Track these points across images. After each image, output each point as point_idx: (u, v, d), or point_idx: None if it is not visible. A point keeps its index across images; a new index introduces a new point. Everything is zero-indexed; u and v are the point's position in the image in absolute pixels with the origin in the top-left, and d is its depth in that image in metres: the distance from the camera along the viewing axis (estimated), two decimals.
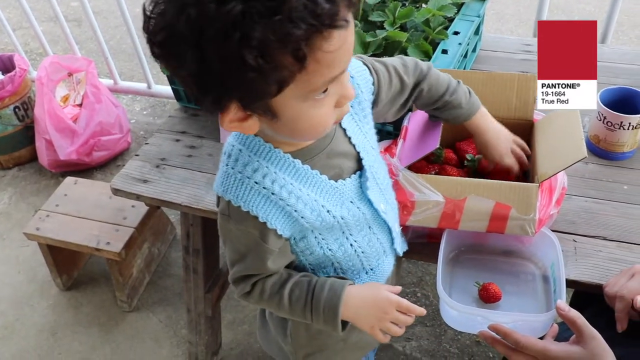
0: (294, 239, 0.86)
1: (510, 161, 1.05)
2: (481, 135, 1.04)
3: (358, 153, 0.86)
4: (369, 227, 0.91)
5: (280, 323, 1.04)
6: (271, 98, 0.64)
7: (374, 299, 0.87)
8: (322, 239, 0.87)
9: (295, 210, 0.80)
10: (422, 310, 0.88)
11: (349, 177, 0.85)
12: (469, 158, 1.13)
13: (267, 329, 1.09)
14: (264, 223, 0.79)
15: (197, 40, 0.59)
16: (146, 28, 0.64)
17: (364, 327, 0.89)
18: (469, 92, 1.02)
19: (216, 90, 0.63)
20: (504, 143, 1.04)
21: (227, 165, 0.80)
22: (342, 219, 0.85)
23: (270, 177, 0.78)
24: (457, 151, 1.18)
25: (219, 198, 0.83)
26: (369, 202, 0.88)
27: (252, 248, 0.83)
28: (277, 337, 1.06)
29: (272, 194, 0.78)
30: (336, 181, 0.84)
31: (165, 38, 0.62)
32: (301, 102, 0.66)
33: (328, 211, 0.83)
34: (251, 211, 0.78)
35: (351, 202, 0.86)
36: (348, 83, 0.71)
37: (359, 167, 0.87)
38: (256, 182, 0.78)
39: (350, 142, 0.85)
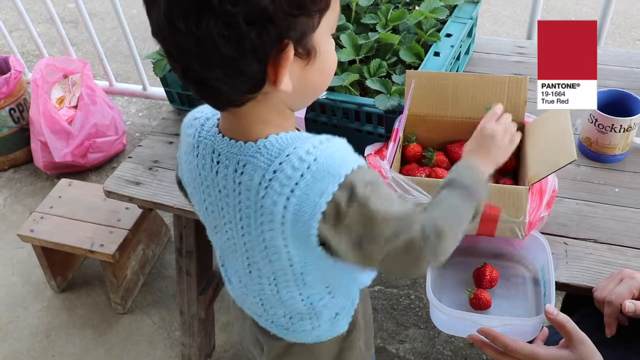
0: None
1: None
2: None
3: None
4: None
5: None
6: (314, 30, 0.66)
7: (481, 139, 0.89)
8: None
9: None
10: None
11: None
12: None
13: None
14: None
15: None
16: None
17: (504, 153, 0.90)
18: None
19: (286, 23, 0.62)
20: None
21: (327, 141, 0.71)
22: None
23: None
24: (448, 153, 1.18)
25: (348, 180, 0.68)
26: None
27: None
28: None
29: None
30: None
31: None
32: (327, 36, 0.70)
33: None
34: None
35: None
36: None
37: None
38: None
39: None
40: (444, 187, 0.80)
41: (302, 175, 0.67)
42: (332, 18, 0.68)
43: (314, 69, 0.69)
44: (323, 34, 0.68)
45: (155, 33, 0.65)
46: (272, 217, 0.70)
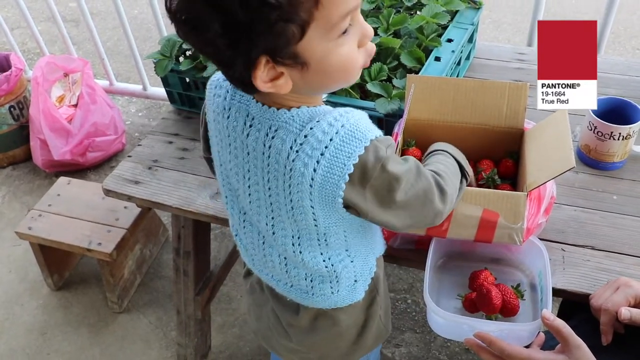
0: None
1: None
2: None
3: None
4: None
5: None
6: (296, 42, 0.66)
7: None
8: None
9: None
10: None
11: None
12: (484, 176, 1.12)
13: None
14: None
15: None
16: (168, 8, 0.67)
17: None
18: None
19: (245, 45, 0.64)
20: None
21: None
22: None
23: None
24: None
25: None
26: None
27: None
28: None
29: None
30: None
31: (187, 8, 0.65)
32: (325, 41, 0.68)
33: None
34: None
35: None
36: (364, 21, 0.73)
37: None
38: None
39: None
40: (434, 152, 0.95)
41: (331, 140, 0.72)
42: (324, 25, 0.66)
43: (313, 73, 0.70)
44: (315, 42, 0.67)
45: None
46: (302, 179, 0.74)
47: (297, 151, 0.73)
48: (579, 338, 0.84)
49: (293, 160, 0.74)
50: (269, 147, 0.76)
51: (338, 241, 0.86)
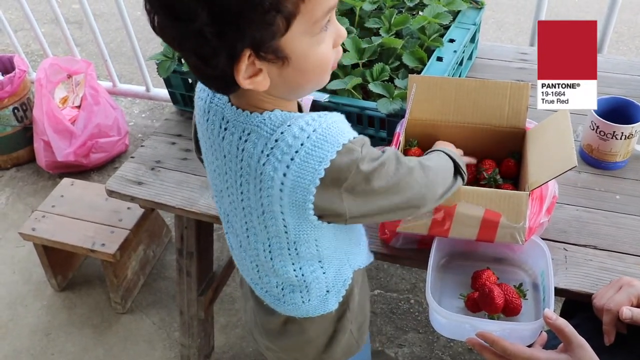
0: None
1: None
2: None
3: None
4: None
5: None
6: (281, 36, 0.66)
7: None
8: None
9: None
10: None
11: None
12: (486, 176, 1.12)
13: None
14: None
15: None
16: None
17: None
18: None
19: (232, 36, 0.64)
20: None
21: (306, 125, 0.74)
22: None
23: None
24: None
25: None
26: None
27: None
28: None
29: None
30: None
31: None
32: (307, 37, 0.69)
33: None
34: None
35: None
36: (337, 22, 0.74)
37: None
38: None
39: None
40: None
41: (302, 144, 0.71)
42: (308, 20, 0.67)
43: (291, 70, 0.70)
44: (297, 37, 0.68)
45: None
46: (272, 183, 0.74)
47: (267, 155, 0.73)
48: (581, 337, 0.84)
49: (264, 165, 0.73)
50: (242, 150, 0.76)
51: (309, 251, 0.85)
